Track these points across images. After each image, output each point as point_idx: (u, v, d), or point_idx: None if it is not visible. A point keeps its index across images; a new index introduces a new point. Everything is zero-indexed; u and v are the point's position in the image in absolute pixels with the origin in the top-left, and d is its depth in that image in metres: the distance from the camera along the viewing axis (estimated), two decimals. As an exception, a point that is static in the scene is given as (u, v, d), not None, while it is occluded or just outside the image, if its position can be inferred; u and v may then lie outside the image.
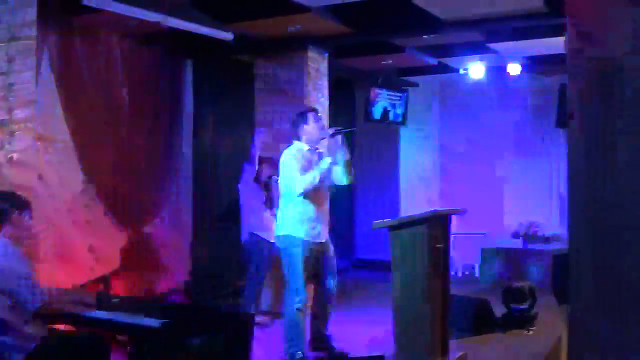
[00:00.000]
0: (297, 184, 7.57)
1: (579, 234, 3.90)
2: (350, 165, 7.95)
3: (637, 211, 3.69)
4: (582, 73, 3.87)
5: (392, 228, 6.80)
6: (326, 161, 7.65)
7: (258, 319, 9.44)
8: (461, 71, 13.97)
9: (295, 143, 7.90)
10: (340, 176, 7.95)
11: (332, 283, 8.03)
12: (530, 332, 9.60)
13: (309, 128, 7.88)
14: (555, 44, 10.49)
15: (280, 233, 7.81)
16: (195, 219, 11.40)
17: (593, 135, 3.81)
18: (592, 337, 3.87)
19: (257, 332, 7.09)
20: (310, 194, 7.64)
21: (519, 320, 9.87)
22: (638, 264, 3.70)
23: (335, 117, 12.01)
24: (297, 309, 7.58)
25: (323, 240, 7.89)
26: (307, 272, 7.66)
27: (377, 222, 6.87)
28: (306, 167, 7.65)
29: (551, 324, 9.59)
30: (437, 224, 7.02)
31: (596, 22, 3.89)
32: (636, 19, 3.71)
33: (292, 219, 7.70)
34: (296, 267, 7.61)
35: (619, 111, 3.72)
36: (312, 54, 11.26)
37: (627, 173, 3.71)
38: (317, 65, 11.41)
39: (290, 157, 7.72)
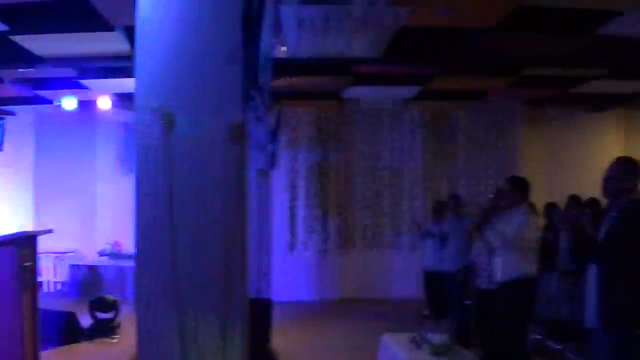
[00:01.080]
0: None
1: (144, 254, 4.05)
2: None
3: (193, 239, 3.91)
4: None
5: (-20, 248, 6.54)
6: None
7: None
8: (56, 103, 13.69)
9: None
10: None
11: None
12: (115, 340, 9.66)
13: None
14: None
15: None
16: None
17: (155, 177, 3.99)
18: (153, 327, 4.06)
19: None
20: None
21: (105, 329, 9.93)
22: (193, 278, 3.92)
23: None
24: None
25: None
26: None
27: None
28: None
29: (134, 331, 9.70)
30: (25, 244, 6.85)
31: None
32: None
33: None
34: None
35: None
36: None
37: (185, 204, 3.93)
38: None
39: None
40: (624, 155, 5.45)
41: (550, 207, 10.22)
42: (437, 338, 6.67)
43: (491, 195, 8.05)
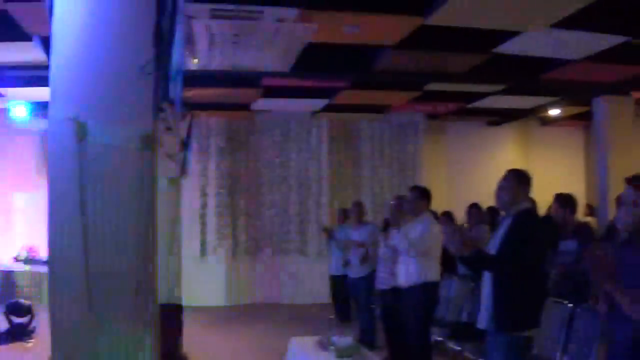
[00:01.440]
0: None
1: (57, 260, 3.99)
2: None
3: (105, 245, 3.88)
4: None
5: None
6: None
7: None
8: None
9: None
10: None
11: None
12: (30, 344, 9.51)
13: None
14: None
15: None
16: None
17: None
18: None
19: None
20: None
21: (20, 333, 9.77)
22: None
23: None
24: None
25: None
26: None
27: None
28: None
29: (49, 335, 9.56)
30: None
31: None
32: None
33: None
34: None
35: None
36: None
37: (97, 211, 3.89)
38: None
39: None
40: (520, 167, 5.59)
41: (447, 215, 10.41)
42: (343, 340, 6.70)
43: (392, 202, 8.15)
